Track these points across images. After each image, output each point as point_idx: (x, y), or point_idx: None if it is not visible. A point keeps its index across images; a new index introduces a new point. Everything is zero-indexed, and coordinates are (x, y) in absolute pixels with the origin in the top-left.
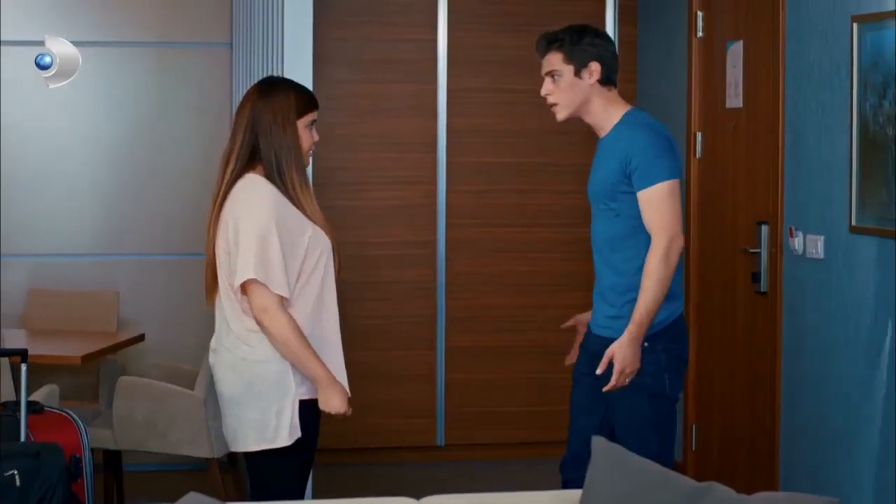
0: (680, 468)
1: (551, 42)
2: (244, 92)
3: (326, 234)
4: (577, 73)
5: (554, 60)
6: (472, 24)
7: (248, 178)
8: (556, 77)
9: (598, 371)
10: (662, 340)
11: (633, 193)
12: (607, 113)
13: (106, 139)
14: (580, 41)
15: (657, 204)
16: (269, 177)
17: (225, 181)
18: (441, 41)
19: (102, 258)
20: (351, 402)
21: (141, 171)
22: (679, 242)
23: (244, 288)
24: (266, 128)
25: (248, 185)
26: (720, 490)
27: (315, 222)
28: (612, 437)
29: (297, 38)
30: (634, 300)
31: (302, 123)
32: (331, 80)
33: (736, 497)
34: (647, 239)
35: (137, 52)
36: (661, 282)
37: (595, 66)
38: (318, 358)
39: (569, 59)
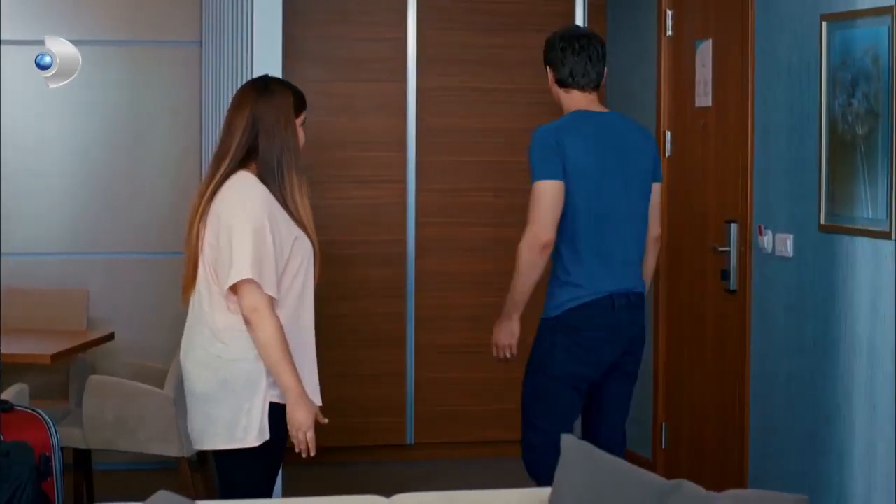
0: (649, 466)
1: None
2: (214, 90)
3: (311, 238)
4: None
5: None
6: (442, 22)
7: (240, 174)
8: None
9: None
10: (556, 325)
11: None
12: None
13: (76, 138)
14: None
15: (531, 200)
16: (262, 176)
17: (217, 177)
18: (411, 40)
19: (73, 257)
20: (324, 411)
21: (111, 169)
22: (540, 239)
23: (235, 287)
24: (269, 128)
25: (240, 182)
26: (690, 487)
27: (302, 226)
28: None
29: (267, 36)
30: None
31: (296, 123)
32: (301, 78)
33: (705, 495)
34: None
35: (107, 50)
36: (521, 267)
37: (549, 70)
38: (294, 369)
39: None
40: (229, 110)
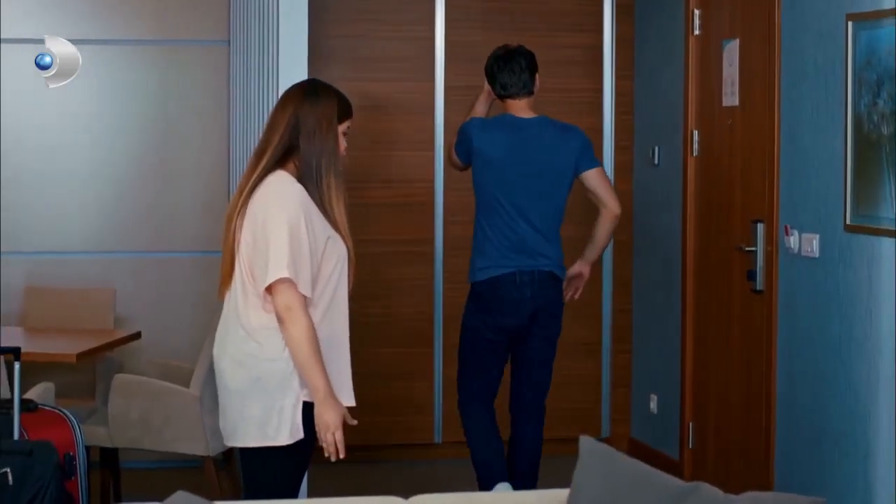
0: (676, 466)
1: None
2: (241, 90)
3: (346, 242)
4: None
5: None
6: (470, 21)
7: (278, 174)
8: None
9: None
10: (471, 291)
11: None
12: None
13: (103, 137)
14: None
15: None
16: (301, 177)
17: (255, 175)
18: (438, 39)
19: (100, 256)
20: (352, 409)
21: (138, 168)
22: None
23: (271, 286)
24: (310, 131)
25: (277, 181)
26: (707, 490)
27: (338, 229)
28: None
29: (292, 35)
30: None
31: (339, 130)
32: (328, 77)
33: (723, 497)
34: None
35: (135, 49)
36: None
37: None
38: (323, 370)
39: None
40: (275, 107)
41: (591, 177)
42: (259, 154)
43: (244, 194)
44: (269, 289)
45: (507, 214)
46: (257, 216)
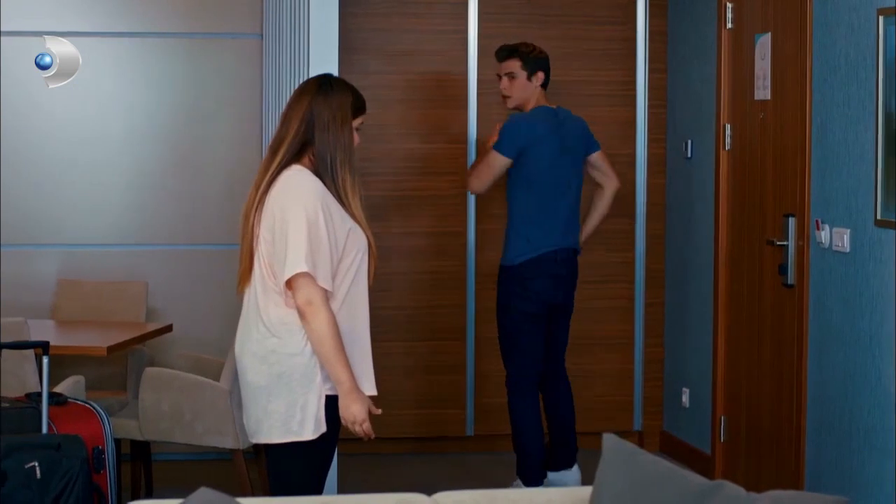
0: (707, 461)
1: (512, 52)
2: (274, 82)
3: (366, 234)
4: (529, 78)
5: (514, 65)
6: (503, 14)
7: (295, 168)
8: (512, 78)
9: None
10: (508, 275)
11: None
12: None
13: (136, 130)
14: (531, 53)
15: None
16: (317, 171)
17: (271, 170)
18: (472, 32)
19: (131, 248)
20: (384, 402)
21: (170, 161)
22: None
23: (290, 280)
24: (325, 124)
25: (295, 175)
26: (730, 488)
27: (357, 220)
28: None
29: (324, 28)
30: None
31: (353, 125)
32: (361, 70)
33: (745, 496)
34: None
35: (169, 42)
36: None
37: (541, 74)
38: (346, 362)
39: (524, 66)
40: (290, 101)
41: (598, 157)
42: (274, 149)
43: (261, 190)
44: (289, 284)
45: (555, 195)
46: (275, 212)
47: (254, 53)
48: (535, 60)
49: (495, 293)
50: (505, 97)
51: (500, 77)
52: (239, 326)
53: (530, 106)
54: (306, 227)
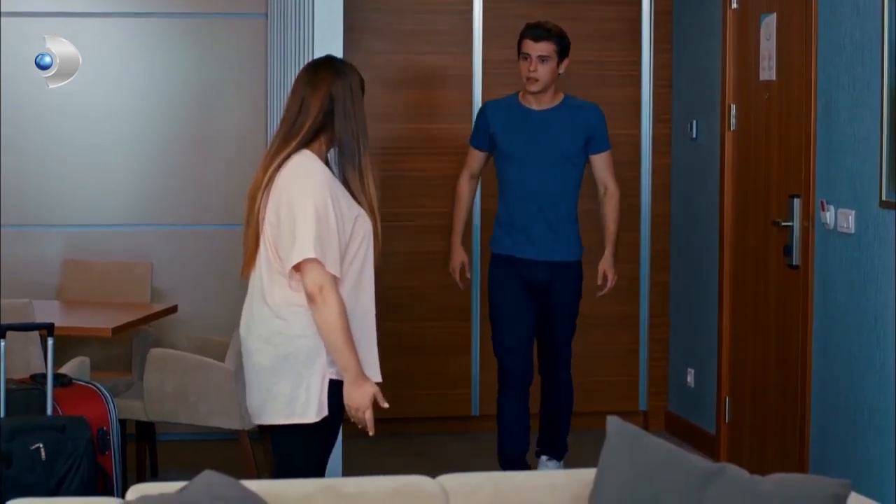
0: (713, 440)
1: (549, 34)
2: (279, 62)
3: (372, 219)
4: (558, 64)
5: (549, 48)
6: None
7: (303, 153)
8: (545, 61)
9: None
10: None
11: (584, 155)
12: (555, 94)
13: (141, 110)
14: (564, 38)
15: (611, 161)
16: (327, 157)
17: (283, 154)
18: (477, 12)
19: (137, 229)
20: (390, 382)
21: (176, 141)
22: None
23: (299, 265)
24: (346, 111)
25: (303, 161)
26: (734, 471)
27: (366, 205)
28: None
29: (329, 7)
30: (568, 233)
31: None
32: (366, 50)
33: (749, 478)
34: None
35: (174, 22)
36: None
37: (567, 61)
38: (354, 350)
39: (558, 50)
40: (302, 89)
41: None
42: (290, 135)
43: (269, 174)
44: (297, 268)
45: None
46: (282, 196)
47: (258, 33)
48: (567, 47)
49: None
50: (531, 79)
51: (526, 57)
52: (244, 308)
53: (550, 92)
54: (315, 214)
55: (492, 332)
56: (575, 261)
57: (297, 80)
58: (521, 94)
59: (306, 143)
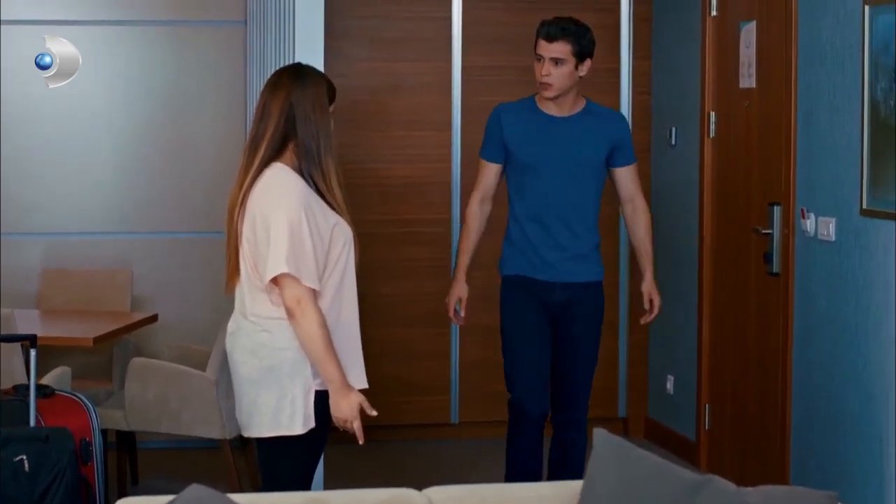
0: (692, 447)
1: (564, 32)
2: (258, 70)
3: (348, 224)
4: (576, 66)
5: (564, 50)
6: (487, 1)
7: (276, 167)
8: (559, 64)
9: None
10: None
11: (606, 167)
12: (576, 99)
13: (120, 117)
14: (584, 37)
15: (637, 175)
16: (300, 165)
17: (254, 167)
18: (456, 19)
19: (116, 237)
20: (369, 389)
21: (155, 149)
22: None
23: (276, 280)
24: (306, 115)
25: (276, 175)
26: (720, 483)
27: (339, 212)
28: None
29: (309, 15)
30: (588, 252)
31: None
32: (346, 57)
33: (735, 490)
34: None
35: (153, 30)
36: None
37: (588, 63)
38: (336, 361)
39: (576, 52)
40: (265, 96)
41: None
42: (255, 145)
43: (244, 188)
44: (276, 283)
45: None
46: (256, 212)
47: (237, 41)
48: (587, 45)
49: (479, 280)
50: (543, 85)
51: (539, 59)
52: (230, 321)
53: (571, 98)
54: (288, 228)
55: (504, 363)
56: (596, 281)
57: (262, 88)
58: (537, 96)
59: (276, 154)
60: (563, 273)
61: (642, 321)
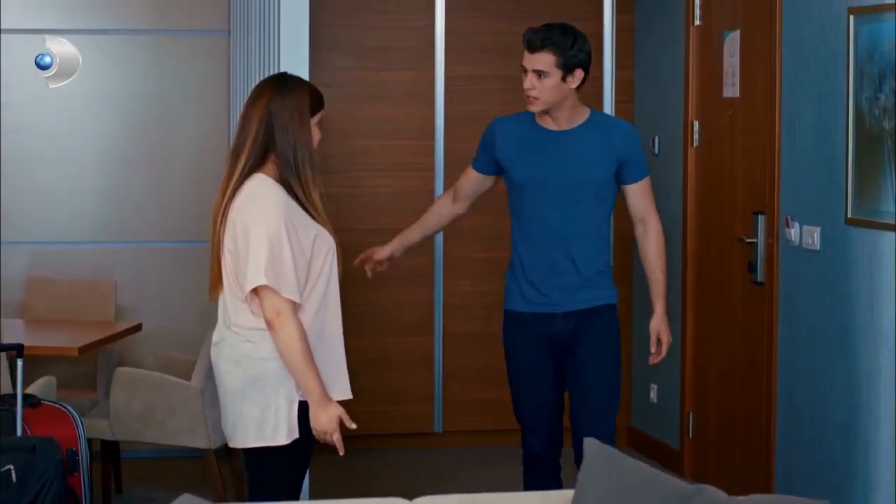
0: (677, 456)
1: (546, 42)
2: (242, 79)
3: (330, 233)
4: (564, 78)
5: (546, 61)
6: (470, 10)
7: (257, 178)
8: (542, 76)
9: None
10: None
11: (615, 184)
12: (575, 110)
13: (104, 127)
14: (572, 47)
15: (650, 191)
16: (281, 175)
17: (235, 177)
18: (438, 28)
19: (101, 246)
20: (352, 399)
21: (140, 158)
22: None
23: (256, 291)
24: (284, 124)
25: (257, 186)
26: (711, 492)
27: (320, 222)
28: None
29: (294, 24)
30: (593, 276)
31: (312, 122)
32: (328, 66)
33: (727, 499)
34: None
35: (136, 39)
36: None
37: (579, 73)
38: (316, 373)
39: (560, 63)
40: (246, 105)
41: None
42: (236, 155)
43: (226, 199)
44: (256, 294)
45: None
46: (237, 223)
47: (221, 50)
48: (575, 55)
49: (463, 288)
50: (529, 98)
51: (524, 71)
52: (214, 332)
53: (567, 110)
54: (267, 240)
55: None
56: (605, 305)
57: (247, 99)
58: None
59: (258, 163)
60: (562, 302)
61: (650, 362)
